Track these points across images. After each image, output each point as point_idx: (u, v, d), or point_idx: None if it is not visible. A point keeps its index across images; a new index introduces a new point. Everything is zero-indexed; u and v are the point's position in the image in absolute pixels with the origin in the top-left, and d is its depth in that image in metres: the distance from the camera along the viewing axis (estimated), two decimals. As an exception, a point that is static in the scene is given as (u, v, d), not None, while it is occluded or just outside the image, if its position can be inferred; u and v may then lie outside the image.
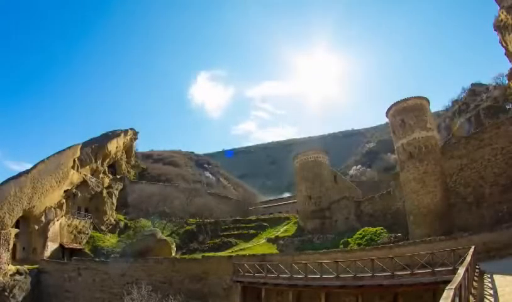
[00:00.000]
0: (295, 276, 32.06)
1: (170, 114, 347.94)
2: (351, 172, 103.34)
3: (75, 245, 62.65)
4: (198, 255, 51.13)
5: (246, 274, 38.40)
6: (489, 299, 15.12)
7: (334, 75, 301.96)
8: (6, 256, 51.24)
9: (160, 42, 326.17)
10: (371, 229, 46.89)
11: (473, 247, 23.10)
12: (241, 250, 54.09)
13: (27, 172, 56.78)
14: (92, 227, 68.43)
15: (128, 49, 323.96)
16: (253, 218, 74.14)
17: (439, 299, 8.00)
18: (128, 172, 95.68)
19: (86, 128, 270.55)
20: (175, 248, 60.78)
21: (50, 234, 58.55)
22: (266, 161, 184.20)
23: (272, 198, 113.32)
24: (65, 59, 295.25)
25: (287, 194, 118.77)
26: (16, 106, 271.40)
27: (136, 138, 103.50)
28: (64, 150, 65.77)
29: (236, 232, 65.16)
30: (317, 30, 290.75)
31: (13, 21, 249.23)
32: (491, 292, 16.14)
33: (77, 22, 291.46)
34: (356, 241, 43.58)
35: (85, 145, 73.81)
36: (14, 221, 54.43)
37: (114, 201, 78.20)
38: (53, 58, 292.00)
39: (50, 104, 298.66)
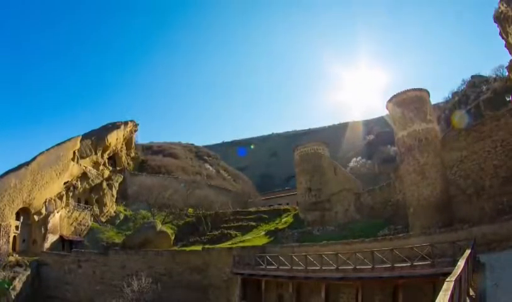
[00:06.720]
0: (295, 268, 32.20)
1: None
2: (351, 163, 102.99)
3: (75, 237, 62.84)
4: (198, 247, 51.24)
5: (246, 265, 38.56)
6: (488, 291, 15.14)
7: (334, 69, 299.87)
8: (6, 248, 51.46)
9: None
10: (371, 221, 47.04)
11: (473, 239, 23.18)
12: (241, 242, 54.18)
13: (27, 164, 56.88)
14: (92, 219, 68.61)
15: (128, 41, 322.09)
16: (252, 209, 74.20)
17: (439, 291, 7.99)
18: (128, 164, 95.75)
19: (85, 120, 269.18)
20: (175, 240, 60.92)
21: (50, 226, 58.68)
22: (266, 153, 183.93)
23: (272, 190, 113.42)
24: (62, 50, 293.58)
25: (287, 186, 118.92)
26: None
27: (136, 130, 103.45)
28: (64, 142, 65.87)
29: (236, 224, 65.23)
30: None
31: None
32: (491, 284, 16.17)
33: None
34: (357, 233, 43.61)
35: (85, 137, 73.89)
36: (14, 213, 54.59)
37: (114, 192, 78.33)
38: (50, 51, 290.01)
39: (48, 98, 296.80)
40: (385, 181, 54.46)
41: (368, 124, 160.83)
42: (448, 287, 8.23)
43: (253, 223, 64.45)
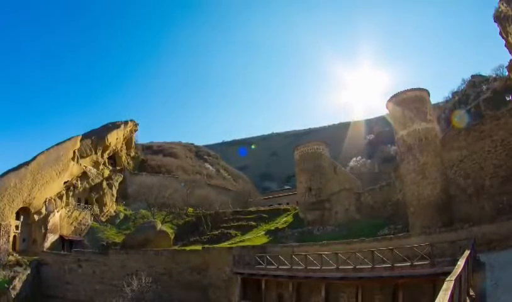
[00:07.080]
0: (295, 268, 32.15)
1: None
2: (351, 163, 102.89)
3: (75, 237, 62.85)
4: (198, 247, 51.16)
5: (246, 265, 38.51)
6: (488, 291, 15.13)
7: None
8: (6, 247, 51.49)
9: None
10: (371, 221, 46.98)
11: (473, 239, 23.16)
12: (241, 241, 54.17)
13: (27, 163, 56.90)
14: (92, 218, 68.62)
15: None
16: (252, 209, 74.15)
17: (439, 291, 7.97)
18: (128, 163, 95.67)
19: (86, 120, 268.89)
20: (175, 240, 60.90)
21: (50, 225, 58.74)
22: (266, 152, 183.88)
23: (272, 190, 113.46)
24: (63, 50, 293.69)
25: (287, 186, 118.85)
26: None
27: (136, 130, 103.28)
28: (64, 141, 65.89)
29: (236, 224, 65.18)
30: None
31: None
32: (491, 283, 16.15)
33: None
34: (357, 233, 43.57)
35: (85, 136, 73.88)
36: (15, 212, 54.63)
37: (114, 192, 78.35)
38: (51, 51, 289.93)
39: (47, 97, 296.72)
40: (385, 181, 54.42)
41: (369, 124, 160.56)
42: (448, 286, 8.21)
43: (253, 223, 64.39)
